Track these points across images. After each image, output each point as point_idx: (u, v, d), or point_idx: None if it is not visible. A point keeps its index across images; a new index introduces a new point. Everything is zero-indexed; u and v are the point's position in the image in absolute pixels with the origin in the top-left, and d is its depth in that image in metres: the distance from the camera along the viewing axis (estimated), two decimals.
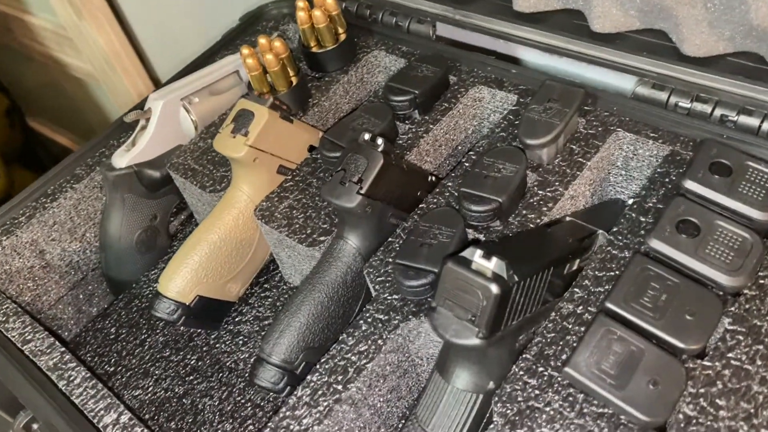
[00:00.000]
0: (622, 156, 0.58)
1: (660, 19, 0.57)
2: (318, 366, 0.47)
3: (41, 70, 1.91)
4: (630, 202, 0.59)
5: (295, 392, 0.46)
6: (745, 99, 0.54)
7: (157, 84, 1.53)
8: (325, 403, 0.45)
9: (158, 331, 0.63)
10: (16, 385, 0.52)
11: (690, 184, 0.48)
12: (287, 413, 0.45)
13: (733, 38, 0.54)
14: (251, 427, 0.55)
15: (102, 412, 0.48)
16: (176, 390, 0.58)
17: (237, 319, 0.63)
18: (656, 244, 0.46)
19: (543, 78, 0.62)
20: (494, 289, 0.39)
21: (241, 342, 0.61)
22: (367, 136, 0.52)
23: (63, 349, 0.52)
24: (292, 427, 0.45)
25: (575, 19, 0.62)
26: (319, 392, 0.46)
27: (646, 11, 0.58)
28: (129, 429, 0.47)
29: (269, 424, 0.45)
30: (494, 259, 0.40)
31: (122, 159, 0.63)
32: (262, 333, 0.61)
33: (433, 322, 0.41)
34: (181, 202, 0.69)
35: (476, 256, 0.40)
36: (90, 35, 1.47)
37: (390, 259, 0.52)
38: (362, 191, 0.50)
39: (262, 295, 0.64)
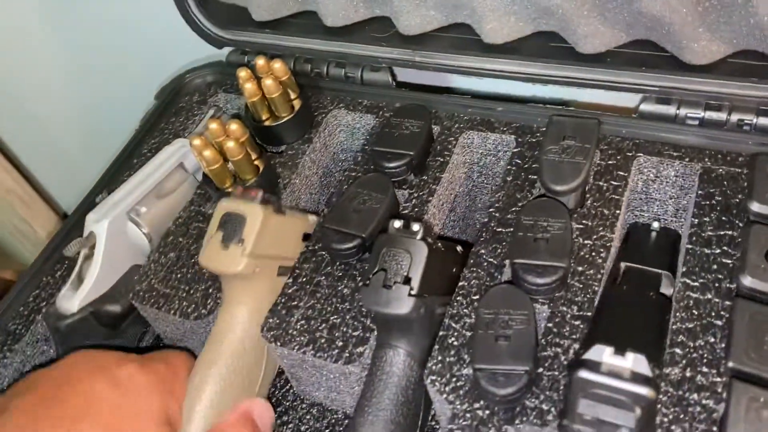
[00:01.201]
0: (643, 179, 0.54)
1: (649, 29, 0.54)
2: None
3: None
4: (654, 224, 0.55)
5: None
6: (759, 99, 0.52)
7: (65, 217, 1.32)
8: None
9: None
10: None
11: (760, 207, 0.44)
12: None
13: (732, 40, 0.52)
14: None
15: None
16: None
17: None
18: (751, 282, 0.42)
19: (534, 111, 0.57)
20: (646, 393, 0.33)
21: None
22: (398, 224, 0.44)
23: None
24: None
25: (552, 41, 0.58)
26: None
27: (631, 23, 0.54)
28: None
29: None
30: (630, 355, 0.34)
31: (72, 302, 0.51)
32: None
33: None
34: (145, 328, 0.58)
35: (606, 355, 0.34)
36: None
37: (451, 359, 0.45)
38: (414, 292, 0.42)
39: (279, 420, 0.54)
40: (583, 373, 0.34)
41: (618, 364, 0.34)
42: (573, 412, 0.34)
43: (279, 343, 0.48)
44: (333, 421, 0.53)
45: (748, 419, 0.37)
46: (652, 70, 0.54)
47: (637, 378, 0.33)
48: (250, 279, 0.48)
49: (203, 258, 0.48)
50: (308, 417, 0.54)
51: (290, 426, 0.54)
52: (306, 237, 0.54)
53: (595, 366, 0.34)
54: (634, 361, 0.34)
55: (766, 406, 0.37)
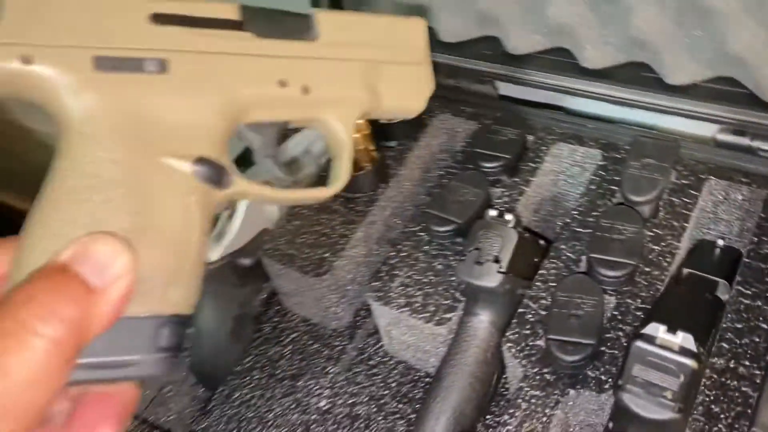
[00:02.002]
0: (712, 200, 0.60)
1: (732, 67, 0.60)
2: None
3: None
4: (719, 242, 0.61)
5: None
6: None
7: None
8: None
9: (270, 423, 0.61)
10: None
11: None
12: None
13: None
14: None
15: None
16: None
17: (351, 402, 0.62)
18: None
19: (621, 131, 0.65)
20: (691, 364, 0.40)
21: (362, 426, 0.60)
22: (493, 213, 0.53)
23: None
24: None
25: (643, 71, 0.65)
26: None
27: (716, 61, 0.61)
28: None
29: None
30: (681, 334, 0.41)
31: (214, 251, 0.62)
32: (381, 413, 0.60)
33: (625, 400, 0.42)
34: (265, 282, 0.68)
35: (660, 332, 0.42)
36: None
37: (527, 331, 0.53)
38: (502, 269, 0.50)
39: (369, 373, 0.64)
40: (640, 343, 0.42)
41: (669, 339, 0.41)
42: (628, 375, 0.42)
43: (382, 302, 0.57)
44: (416, 378, 0.62)
45: None
46: (731, 104, 0.61)
47: (684, 351, 0.41)
48: None
49: None
50: (395, 373, 0.63)
51: (379, 378, 0.63)
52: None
53: (650, 339, 0.42)
54: (683, 339, 0.41)
55: None
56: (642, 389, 0.42)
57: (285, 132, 0.42)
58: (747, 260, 0.53)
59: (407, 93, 0.46)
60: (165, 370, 0.33)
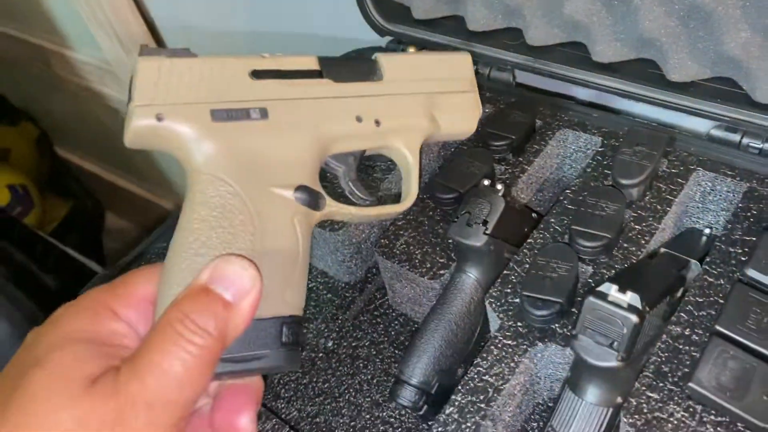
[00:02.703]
0: (701, 191, 0.65)
1: (730, 68, 0.65)
2: (460, 387, 0.54)
3: (74, 101, 1.98)
4: (706, 231, 0.66)
5: (443, 410, 0.53)
6: None
7: None
8: (473, 420, 0.52)
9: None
10: None
11: None
12: (440, 429, 0.52)
13: None
14: None
15: None
16: (308, 410, 0.65)
17: (354, 345, 0.69)
18: (754, 274, 0.53)
19: (623, 121, 0.70)
20: (634, 318, 0.46)
21: (361, 365, 0.67)
22: (486, 182, 0.59)
23: None
24: None
25: (649, 68, 0.70)
26: (466, 410, 0.53)
27: (715, 61, 0.65)
28: None
29: None
30: (629, 293, 0.47)
31: None
32: (379, 356, 0.68)
33: (575, 347, 0.48)
34: None
35: (612, 290, 0.47)
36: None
37: (508, 290, 0.59)
38: (488, 231, 0.57)
39: (373, 321, 0.71)
40: (592, 298, 0.47)
41: (619, 297, 0.47)
42: (580, 325, 0.48)
43: (385, 257, 0.65)
44: (413, 328, 0.69)
45: (716, 364, 0.49)
46: (727, 102, 0.65)
47: (630, 308, 0.46)
48: None
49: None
50: (395, 323, 0.70)
51: (380, 326, 0.70)
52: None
53: (602, 295, 0.47)
54: (631, 297, 0.47)
55: (732, 358, 0.49)
56: (591, 339, 0.48)
57: (360, 158, 0.51)
58: (718, 243, 0.58)
59: (461, 118, 0.53)
60: (288, 363, 0.40)
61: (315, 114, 0.45)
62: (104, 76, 1.74)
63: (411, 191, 0.50)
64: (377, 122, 0.48)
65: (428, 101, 0.51)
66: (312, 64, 0.46)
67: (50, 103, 2.15)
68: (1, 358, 1.14)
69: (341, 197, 0.49)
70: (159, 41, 1.48)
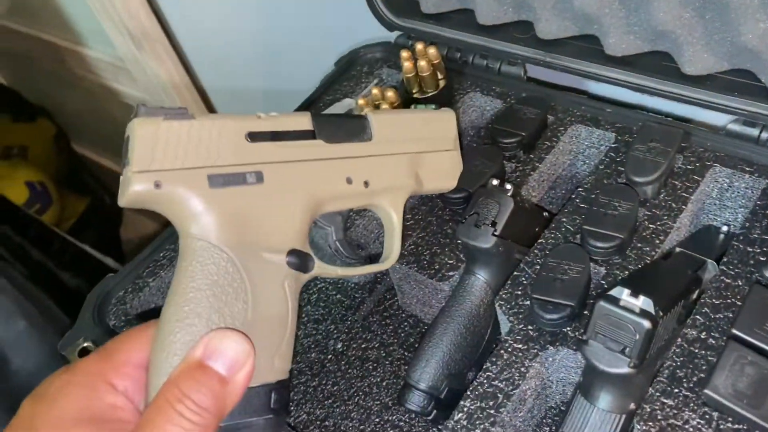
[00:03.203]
0: (718, 188, 0.63)
1: (749, 60, 0.63)
2: (468, 392, 0.53)
3: (89, 97, 1.99)
4: (724, 228, 0.64)
5: (452, 416, 0.52)
6: None
7: (211, 109, 1.61)
8: (482, 426, 0.51)
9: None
10: None
11: None
12: None
13: None
14: None
15: None
16: (317, 413, 0.64)
17: (364, 347, 0.68)
18: None
19: (637, 116, 0.68)
20: (646, 324, 0.45)
21: (371, 367, 0.67)
22: (495, 182, 0.58)
23: None
24: None
25: (664, 60, 0.68)
26: (475, 416, 0.52)
27: (733, 53, 0.63)
28: None
29: None
30: (642, 297, 0.46)
31: None
32: (389, 359, 0.67)
33: (586, 353, 0.47)
34: None
35: (624, 294, 0.46)
36: (149, 66, 1.54)
37: (519, 292, 0.58)
38: (497, 233, 0.56)
39: (383, 323, 0.70)
40: (603, 303, 0.46)
41: (631, 301, 0.46)
42: (591, 330, 0.47)
43: None
44: (423, 330, 0.68)
45: (732, 369, 0.47)
46: (745, 95, 0.63)
47: (642, 313, 0.45)
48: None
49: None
50: (405, 324, 0.69)
51: (390, 327, 0.69)
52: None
53: (614, 300, 0.46)
54: (643, 302, 0.45)
55: (750, 364, 0.47)
56: (602, 344, 0.46)
57: (347, 217, 0.53)
58: (735, 243, 0.56)
59: (443, 175, 0.54)
60: (277, 427, 0.41)
61: (308, 176, 0.45)
62: (118, 73, 1.74)
63: (393, 250, 0.51)
64: (366, 183, 0.48)
65: (414, 161, 0.51)
66: (305, 124, 0.46)
67: (66, 100, 2.16)
68: (19, 355, 1.13)
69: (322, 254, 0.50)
70: (170, 37, 1.48)
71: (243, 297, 0.40)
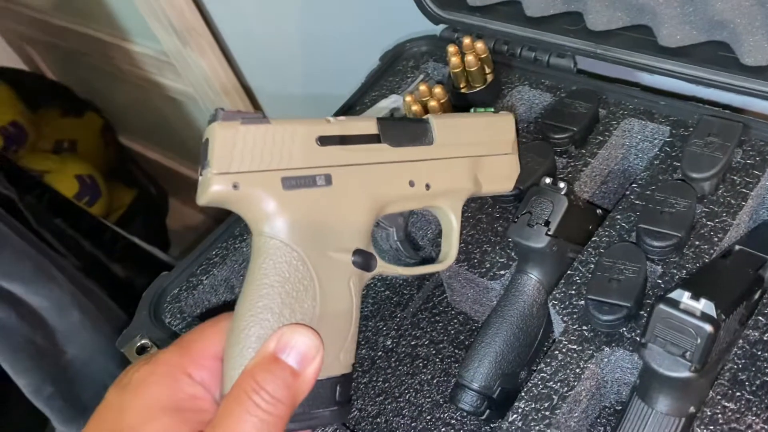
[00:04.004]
0: None
1: None
2: (523, 393, 0.53)
3: (135, 91, 2.03)
4: None
5: (507, 417, 0.52)
6: None
7: (255, 106, 1.62)
8: (537, 428, 0.51)
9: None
10: None
11: None
12: None
13: None
14: None
15: None
16: (369, 410, 0.65)
17: (413, 344, 0.69)
18: None
19: (692, 108, 0.66)
20: (708, 328, 0.44)
21: (421, 365, 0.67)
22: (548, 180, 0.57)
23: None
24: None
25: (721, 50, 0.66)
26: (530, 417, 0.51)
27: None
28: None
29: None
30: (703, 300, 0.45)
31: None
32: (439, 356, 0.67)
33: (645, 357, 0.46)
34: None
35: (685, 297, 0.45)
36: (193, 61, 1.56)
37: (573, 292, 0.57)
38: (550, 233, 0.55)
39: (432, 320, 0.70)
40: (663, 306, 0.45)
41: (692, 305, 0.45)
42: (650, 333, 0.46)
43: None
44: (473, 328, 0.68)
45: None
46: None
47: (704, 317, 0.44)
48: None
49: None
50: (455, 322, 0.69)
51: (440, 324, 0.69)
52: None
53: (674, 303, 0.45)
54: (704, 305, 0.44)
55: None
56: (662, 348, 0.46)
57: (408, 218, 0.55)
58: None
59: (501, 179, 0.55)
60: (341, 419, 0.44)
61: (373, 179, 0.46)
62: (162, 67, 1.77)
63: (452, 251, 0.52)
64: (428, 186, 0.49)
65: (474, 164, 0.52)
66: (372, 128, 0.47)
67: (113, 94, 2.21)
68: (74, 346, 1.16)
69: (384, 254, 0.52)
70: (214, 32, 1.49)
71: (312, 294, 0.42)
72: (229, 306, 0.50)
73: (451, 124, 0.51)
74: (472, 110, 0.56)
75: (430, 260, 0.54)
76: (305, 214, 0.43)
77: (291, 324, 0.41)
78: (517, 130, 0.57)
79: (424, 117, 0.51)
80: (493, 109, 0.56)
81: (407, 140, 0.49)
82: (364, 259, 0.45)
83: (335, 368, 0.43)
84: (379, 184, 0.47)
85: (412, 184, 0.49)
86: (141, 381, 0.40)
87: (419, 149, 0.49)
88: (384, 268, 0.47)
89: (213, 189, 0.40)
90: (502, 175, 0.55)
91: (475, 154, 0.53)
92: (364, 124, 0.47)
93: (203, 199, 0.41)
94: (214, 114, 0.41)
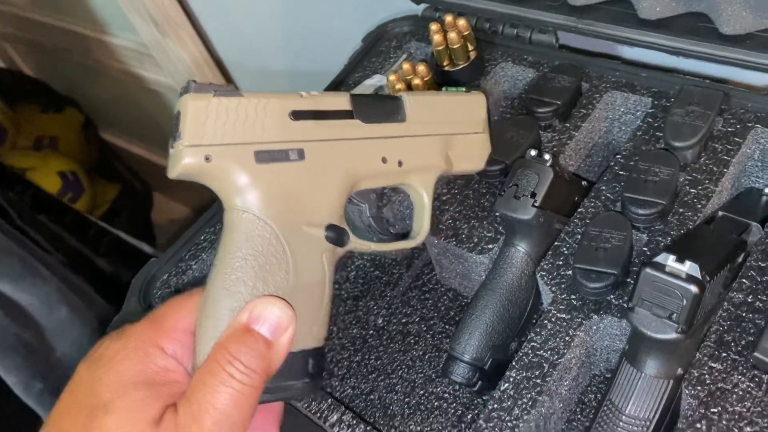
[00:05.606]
0: (759, 149, 0.62)
1: None
2: (514, 363, 0.53)
3: (116, 85, 2.01)
4: (767, 190, 0.63)
5: (498, 387, 0.53)
6: None
7: None
8: (528, 395, 0.52)
9: (333, 335, 0.70)
10: None
11: None
12: (495, 406, 0.52)
13: None
14: (440, 417, 0.61)
15: (326, 412, 0.55)
16: (362, 387, 0.65)
17: (404, 321, 0.69)
18: None
19: (674, 80, 0.67)
20: (694, 289, 0.44)
21: (412, 341, 0.67)
22: (533, 152, 0.57)
23: None
24: (503, 417, 0.51)
25: (701, 21, 0.66)
26: (522, 386, 0.52)
27: None
28: (354, 426, 0.54)
29: (480, 416, 0.52)
30: (688, 263, 0.45)
31: None
32: (430, 332, 0.68)
33: (633, 320, 0.47)
34: None
35: (670, 260, 0.46)
36: (173, 52, 1.55)
37: (560, 262, 0.58)
38: (537, 204, 0.55)
39: (422, 297, 0.71)
40: (649, 270, 0.46)
41: (677, 267, 0.45)
42: (637, 297, 0.47)
43: (431, 234, 0.64)
44: (463, 303, 0.69)
45: None
46: None
47: (689, 278, 0.45)
48: None
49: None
50: (445, 298, 0.70)
51: (430, 302, 0.70)
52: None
53: (659, 266, 0.46)
54: (689, 267, 0.45)
55: None
56: (648, 311, 0.46)
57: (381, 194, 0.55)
58: None
59: (472, 157, 0.55)
60: (313, 391, 0.44)
61: (346, 155, 0.47)
62: (143, 60, 1.76)
63: (423, 227, 0.53)
64: (400, 163, 0.50)
65: (445, 142, 0.53)
66: (344, 104, 0.47)
67: (93, 89, 2.18)
68: (63, 342, 1.16)
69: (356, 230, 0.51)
70: (193, 21, 1.48)
71: (285, 267, 0.42)
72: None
73: (423, 101, 0.52)
74: (444, 89, 0.57)
75: (403, 237, 0.54)
76: (278, 188, 0.43)
77: (263, 296, 0.41)
78: (489, 109, 0.58)
79: (397, 94, 0.51)
80: (465, 89, 0.56)
81: (380, 117, 0.49)
82: (336, 235, 0.45)
83: (308, 341, 0.43)
84: (351, 160, 0.47)
85: (384, 160, 0.49)
86: (112, 355, 0.39)
87: (392, 126, 0.49)
88: (357, 243, 0.47)
89: (185, 161, 0.40)
90: (473, 154, 0.56)
91: (447, 133, 0.53)
92: (337, 100, 0.47)
93: (174, 171, 0.41)
94: (186, 86, 0.41)
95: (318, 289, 0.44)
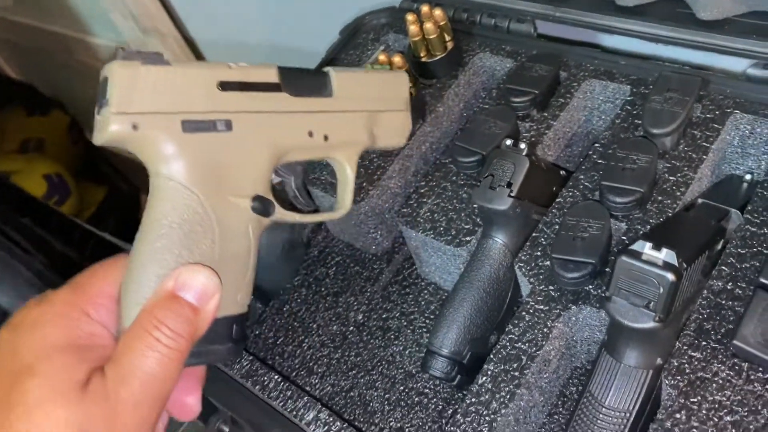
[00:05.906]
0: (739, 135, 0.61)
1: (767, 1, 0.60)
2: (492, 356, 0.53)
3: (98, 86, 1.99)
4: (747, 177, 0.62)
5: (476, 381, 0.52)
6: None
7: None
8: (507, 389, 0.51)
9: (313, 332, 0.69)
10: (213, 393, 0.58)
11: None
12: (473, 400, 0.51)
13: None
14: (420, 413, 0.61)
15: (302, 410, 0.54)
16: (342, 385, 0.64)
17: (384, 317, 0.68)
18: None
19: (653, 67, 0.66)
20: (670, 277, 0.44)
21: (393, 336, 0.66)
22: (509, 142, 0.56)
23: (251, 357, 0.58)
24: (481, 411, 0.50)
25: (678, 7, 0.66)
26: (499, 379, 0.51)
27: None
28: (330, 424, 0.53)
29: (458, 410, 0.51)
30: (664, 250, 0.44)
31: None
32: (410, 327, 0.67)
33: (610, 310, 0.46)
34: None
35: (646, 248, 0.45)
36: (155, 49, 1.53)
37: (538, 253, 0.57)
38: (513, 194, 0.54)
39: (402, 292, 0.70)
40: (625, 258, 0.45)
41: (654, 255, 0.44)
42: (614, 286, 0.46)
43: (409, 226, 0.63)
44: (444, 297, 0.68)
45: (762, 318, 0.46)
46: (764, 38, 0.61)
47: (666, 266, 0.44)
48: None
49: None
50: (425, 292, 0.69)
51: (410, 296, 0.69)
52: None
53: (636, 254, 0.45)
54: (666, 254, 0.44)
55: None
56: (625, 300, 0.45)
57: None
58: (760, 190, 0.55)
59: (395, 134, 0.56)
60: (235, 355, 0.46)
61: (273, 127, 0.47)
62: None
63: (346, 201, 0.53)
64: (326, 137, 0.50)
65: (370, 119, 0.54)
66: (272, 76, 0.48)
67: (77, 90, 2.16)
68: None
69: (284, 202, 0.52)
70: (174, 18, 1.47)
71: (211, 236, 0.43)
72: None
73: (349, 77, 0.52)
74: (366, 66, 0.56)
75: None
76: (204, 158, 0.43)
77: (189, 264, 0.41)
78: (411, 88, 0.59)
79: (324, 69, 0.52)
80: (389, 67, 0.56)
81: (307, 91, 0.49)
82: (262, 205, 0.46)
83: (232, 308, 0.44)
84: (278, 132, 0.47)
85: (311, 134, 0.50)
86: (34, 320, 0.39)
87: (319, 101, 0.50)
88: (282, 214, 0.48)
89: (112, 128, 0.39)
90: (396, 130, 0.56)
91: (372, 109, 0.54)
92: (265, 72, 0.47)
93: (101, 138, 0.40)
94: (114, 53, 0.41)
95: (243, 257, 0.45)
